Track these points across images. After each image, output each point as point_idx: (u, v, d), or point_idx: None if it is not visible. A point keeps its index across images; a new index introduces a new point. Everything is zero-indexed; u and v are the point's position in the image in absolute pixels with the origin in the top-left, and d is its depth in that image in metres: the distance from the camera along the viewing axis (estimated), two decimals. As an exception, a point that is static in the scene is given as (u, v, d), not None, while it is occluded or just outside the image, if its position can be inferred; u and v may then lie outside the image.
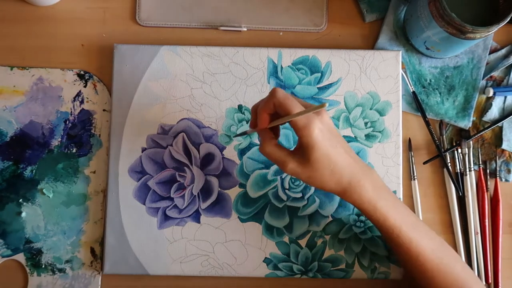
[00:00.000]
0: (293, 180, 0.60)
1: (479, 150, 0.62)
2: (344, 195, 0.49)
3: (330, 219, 0.60)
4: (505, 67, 0.63)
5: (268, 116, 0.48)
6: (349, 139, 0.60)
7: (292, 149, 0.52)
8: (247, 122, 0.60)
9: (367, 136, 0.60)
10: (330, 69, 0.61)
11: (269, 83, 0.61)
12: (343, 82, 0.61)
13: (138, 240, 0.59)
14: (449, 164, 0.61)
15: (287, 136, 0.60)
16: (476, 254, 0.60)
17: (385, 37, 0.63)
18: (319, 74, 0.61)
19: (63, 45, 0.63)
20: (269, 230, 0.59)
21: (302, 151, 0.47)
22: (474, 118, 0.63)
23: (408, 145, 0.62)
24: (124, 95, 0.60)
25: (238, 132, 0.60)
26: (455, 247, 0.61)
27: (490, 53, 0.63)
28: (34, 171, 0.60)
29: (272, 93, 0.46)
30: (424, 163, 0.62)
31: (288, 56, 0.61)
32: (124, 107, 0.60)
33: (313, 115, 0.46)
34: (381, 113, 0.61)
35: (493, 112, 0.63)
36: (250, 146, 0.60)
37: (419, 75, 0.63)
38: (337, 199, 0.60)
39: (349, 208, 0.60)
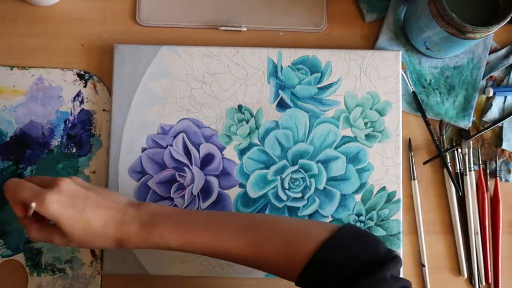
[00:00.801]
0: (293, 180, 0.60)
1: (479, 150, 0.62)
2: (122, 246, 0.47)
3: (330, 219, 0.60)
4: (505, 67, 0.63)
5: (23, 205, 0.46)
6: (349, 139, 0.60)
7: None
8: (247, 122, 0.60)
9: (367, 136, 0.60)
10: (330, 69, 0.61)
11: (269, 83, 0.61)
12: (343, 82, 0.61)
13: (138, 240, 0.58)
14: (449, 164, 0.61)
15: (286, 136, 0.60)
16: (476, 254, 0.60)
17: (385, 37, 0.63)
18: (319, 74, 0.61)
19: (63, 45, 0.63)
20: (269, 230, 0.59)
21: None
22: (474, 118, 0.63)
23: (408, 145, 0.62)
24: (124, 95, 0.60)
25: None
26: (455, 247, 0.61)
27: (490, 53, 0.63)
28: (34, 171, 0.60)
29: (5, 187, 0.46)
30: (424, 163, 0.62)
31: (288, 56, 0.61)
32: (124, 107, 0.60)
33: (46, 190, 0.45)
34: (381, 113, 0.61)
35: (493, 112, 0.63)
36: (250, 146, 0.60)
37: (419, 75, 0.63)
38: (337, 199, 0.60)
39: (349, 208, 0.60)
